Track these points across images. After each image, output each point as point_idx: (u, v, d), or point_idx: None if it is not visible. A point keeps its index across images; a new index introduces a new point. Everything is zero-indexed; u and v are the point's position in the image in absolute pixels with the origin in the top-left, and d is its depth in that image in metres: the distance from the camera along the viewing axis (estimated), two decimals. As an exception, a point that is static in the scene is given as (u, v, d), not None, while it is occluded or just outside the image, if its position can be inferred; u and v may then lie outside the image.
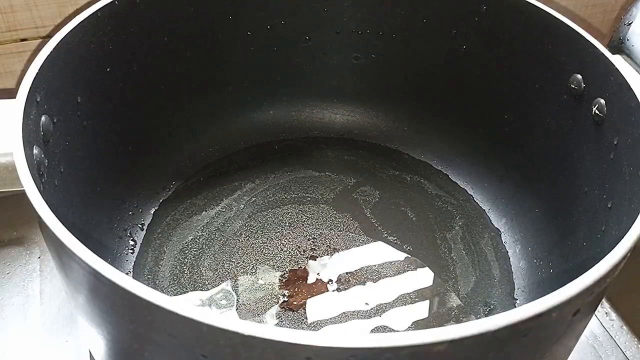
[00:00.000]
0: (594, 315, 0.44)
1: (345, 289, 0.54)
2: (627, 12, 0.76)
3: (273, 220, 0.60)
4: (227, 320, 0.29)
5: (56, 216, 0.34)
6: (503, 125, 0.60)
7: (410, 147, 0.67)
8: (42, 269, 0.57)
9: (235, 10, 0.60)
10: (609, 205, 0.46)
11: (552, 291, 0.32)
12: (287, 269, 0.55)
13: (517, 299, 0.55)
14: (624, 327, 0.56)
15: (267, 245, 0.57)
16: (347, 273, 0.55)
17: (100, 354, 0.42)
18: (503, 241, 0.59)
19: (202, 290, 0.54)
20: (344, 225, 0.60)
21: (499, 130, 0.61)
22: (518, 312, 0.30)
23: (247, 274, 0.55)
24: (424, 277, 0.56)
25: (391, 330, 0.52)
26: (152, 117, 0.59)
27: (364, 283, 0.55)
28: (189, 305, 0.30)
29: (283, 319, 0.52)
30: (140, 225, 0.58)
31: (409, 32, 0.62)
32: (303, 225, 0.59)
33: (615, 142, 0.46)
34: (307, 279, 0.54)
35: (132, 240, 0.57)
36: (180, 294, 0.53)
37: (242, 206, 0.61)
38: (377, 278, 0.55)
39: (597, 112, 0.48)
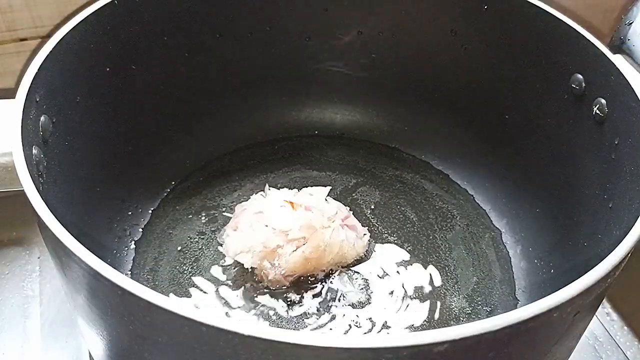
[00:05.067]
0: (594, 316, 0.44)
1: (345, 289, 0.54)
2: (627, 11, 0.76)
3: (273, 221, 0.60)
4: (227, 320, 0.29)
5: (55, 216, 0.34)
6: (504, 125, 0.60)
7: (410, 147, 0.67)
8: (41, 269, 0.57)
9: (235, 10, 0.60)
10: (610, 206, 0.46)
11: (553, 291, 0.32)
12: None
13: (518, 300, 0.55)
14: (625, 327, 0.56)
15: (267, 246, 0.57)
16: (347, 273, 0.55)
17: (99, 354, 0.42)
18: (504, 241, 0.59)
19: (201, 290, 0.54)
20: (344, 226, 0.60)
21: (499, 130, 0.60)
22: (519, 312, 0.30)
23: (247, 273, 0.55)
24: (424, 277, 0.56)
25: (391, 330, 0.52)
26: (151, 117, 0.59)
27: (364, 283, 0.55)
28: (189, 305, 0.30)
29: (283, 318, 0.52)
30: (140, 225, 0.58)
31: (409, 32, 0.62)
32: (303, 225, 0.59)
33: (616, 142, 0.46)
34: (307, 278, 0.54)
35: (131, 240, 0.57)
36: (180, 294, 0.53)
37: (242, 206, 0.61)
38: (377, 278, 0.55)
39: (598, 111, 0.48)
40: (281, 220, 0.53)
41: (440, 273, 0.56)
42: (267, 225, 0.53)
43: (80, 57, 0.49)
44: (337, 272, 0.55)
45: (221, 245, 0.56)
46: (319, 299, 0.53)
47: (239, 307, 0.52)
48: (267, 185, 0.60)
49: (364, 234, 0.57)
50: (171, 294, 0.53)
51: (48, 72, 0.44)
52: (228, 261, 0.55)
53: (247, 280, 0.54)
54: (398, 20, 0.62)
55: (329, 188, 0.59)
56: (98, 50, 0.51)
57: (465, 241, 0.59)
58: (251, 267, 0.53)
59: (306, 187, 0.60)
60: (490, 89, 0.60)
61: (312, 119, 0.68)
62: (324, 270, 0.54)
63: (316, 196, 0.57)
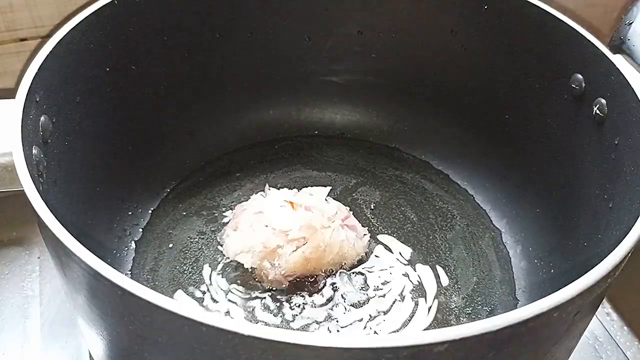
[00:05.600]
0: (594, 316, 0.44)
1: (345, 289, 0.54)
2: (627, 11, 0.76)
3: (273, 221, 0.60)
4: (227, 320, 0.29)
5: (55, 216, 0.34)
6: (504, 125, 0.60)
7: (410, 147, 0.67)
8: (41, 269, 0.57)
9: (235, 10, 0.60)
10: (610, 205, 0.46)
11: (553, 291, 0.32)
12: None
13: (518, 300, 0.55)
14: (625, 327, 0.56)
15: (267, 246, 0.57)
16: (347, 273, 0.55)
17: (99, 354, 0.42)
18: (504, 241, 0.59)
19: (201, 290, 0.54)
20: (344, 226, 0.60)
21: (499, 130, 0.60)
22: (519, 312, 0.30)
23: (247, 273, 0.55)
24: (424, 277, 0.56)
25: (391, 330, 0.52)
26: (151, 117, 0.59)
27: (364, 283, 0.55)
28: (189, 305, 0.30)
29: (283, 318, 0.52)
30: (140, 225, 0.58)
31: (409, 32, 0.62)
32: (303, 225, 0.59)
33: (616, 142, 0.46)
34: (307, 279, 0.54)
35: (131, 240, 0.57)
36: (180, 294, 0.53)
37: (242, 206, 0.61)
38: (377, 278, 0.55)
39: (598, 111, 0.48)
40: (281, 220, 0.53)
41: (440, 273, 0.56)
42: (267, 225, 0.53)
43: (80, 57, 0.49)
44: (337, 273, 0.55)
45: (221, 245, 0.56)
46: (319, 299, 0.53)
47: (239, 308, 0.52)
48: (267, 185, 0.60)
49: (364, 234, 0.57)
50: (171, 294, 0.53)
51: (48, 72, 0.44)
52: (228, 261, 0.55)
53: (247, 280, 0.54)
54: (398, 20, 0.62)
55: (329, 188, 0.59)
56: (98, 50, 0.51)
57: (465, 241, 0.59)
58: (251, 267, 0.53)
59: (306, 187, 0.60)
60: (490, 89, 0.60)
61: (312, 119, 0.68)
62: (324, 271, 0.54)
63: (316, 196, 0.57)
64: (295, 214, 0.54)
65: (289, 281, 0.53)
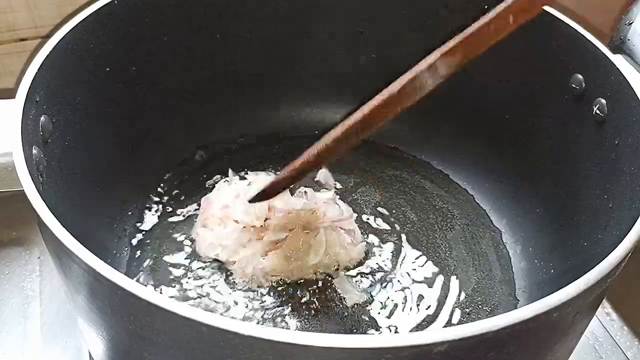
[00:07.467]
0: (594, 316, 0.44)
1: (345, 290, 0.54)
2: (627, 11, 0.76)
3: (273, 221, 0.59)
4: (227, 320, 0.29)
5: (55, 216, 0.34)
6: (504, 125, 0.60)
7: (410, 147, 0.67)
8: (41, 269, 0.57)
9: (235, 10, 0.60)
10: (610, 205, 0.46)
11: (553, 292, 0.32)
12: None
13: (518, 300, 0.55)
14: (625, 327, 0.56)
15: (267, 246, 0.57)
16: (347, 274, 0.55)
17: (99, 354, 0.42)
18: (504, 241, 0.59)
19: (201, 290, 0.53)
20: (344, 226, 0.59)
21: (499, 130, 0.60)
22: (519, 312, 0.30)
23: (247, 273, 0.55)
24: (424, 277, 0.56)
25: (392, 331, 0.52)
26: (151, 117, 0.59)
27: (363, 284, 0.55)
28: (188, 305, 0.30)
29: (284, 319, 0.52)
30: (140, 226, 0.58)
31: (409, 32, 0.62)
32: (303, 225, 0.59)
33: (616, 142, 0.46)
34: (308, 279, 0.54)
35: (131, 240, 0.57)
36: (180, 294, 0.53)
37: (242, 206, 0.61)
38: (377, 278, 0.55)
39: (598, 111, 0.48)
40: (248, 215, 0.53)
41: (440, 273, 0.56)
42: (235, 221, 0.53)
43: (80, 57, 0.49)
44: (337, 274, 0.55)
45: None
46: (320, 300, 0.53)
47: (238, 308, 0.52)
48: (230, 170, 0.60)
49: (361, 241, 0.56)
50: (171, 294, 0.53)
51: (48, 72, 0.44)
52: (228, 263, 0.55)
53: (247, 281, 0.54)
54: (398, 20, 0.62)
55: (331, 192, 0.58)
56: (98, 50, 0.51)
57: (465, 241, 0.59)
58: (230, 267, 0.53)
59: (306, 187, 0.60)
60: (490, 89, 0.60)
61: (312, 118, 0.68)
62: (314, 272, 0.54)
63: (285, 196, 0.55)
64: (263, 209, 0.53)
65: (271, 281, 0.53)
